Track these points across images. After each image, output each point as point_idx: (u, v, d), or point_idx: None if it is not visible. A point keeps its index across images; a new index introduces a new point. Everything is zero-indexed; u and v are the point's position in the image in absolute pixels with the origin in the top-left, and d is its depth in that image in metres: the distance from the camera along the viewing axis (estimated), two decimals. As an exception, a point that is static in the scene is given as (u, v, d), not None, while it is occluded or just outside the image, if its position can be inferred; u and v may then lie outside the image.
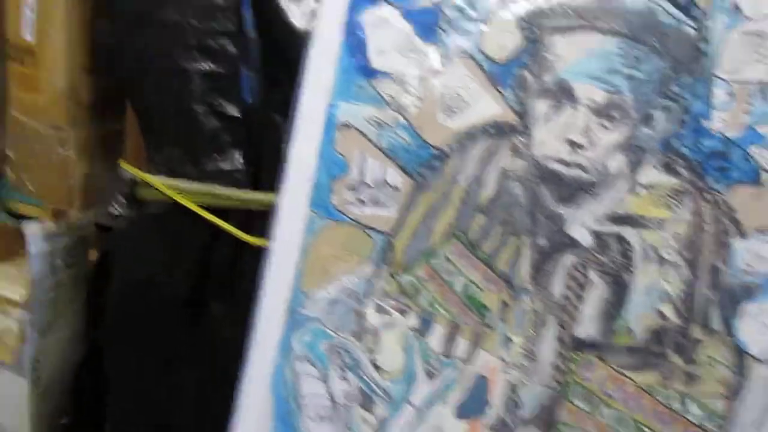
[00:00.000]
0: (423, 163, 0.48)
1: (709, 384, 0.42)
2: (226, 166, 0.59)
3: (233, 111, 0.57)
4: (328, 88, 0.50)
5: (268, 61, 0.55)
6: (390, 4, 0.49)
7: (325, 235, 0.50)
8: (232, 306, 0.57)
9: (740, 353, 0.42)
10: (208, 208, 0.57)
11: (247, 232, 0.55)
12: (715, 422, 0.42)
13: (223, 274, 0.58)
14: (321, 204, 0.50)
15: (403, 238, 0.48)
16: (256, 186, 0.56)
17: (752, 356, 0.41)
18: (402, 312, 0.48)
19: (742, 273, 0.42)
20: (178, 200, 0.58)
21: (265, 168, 0.55)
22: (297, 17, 0.53)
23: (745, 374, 0.41)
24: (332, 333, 0.50)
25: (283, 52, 0.53)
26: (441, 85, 0.47)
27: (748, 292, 0.41)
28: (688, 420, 0.42)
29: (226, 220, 0.56)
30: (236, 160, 0.58)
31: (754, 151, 0.41)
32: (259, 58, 0.55)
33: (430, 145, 0.48)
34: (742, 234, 0.42)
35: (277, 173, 0.52)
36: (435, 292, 0.48)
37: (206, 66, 0.58)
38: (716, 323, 0.42)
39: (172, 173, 0.60)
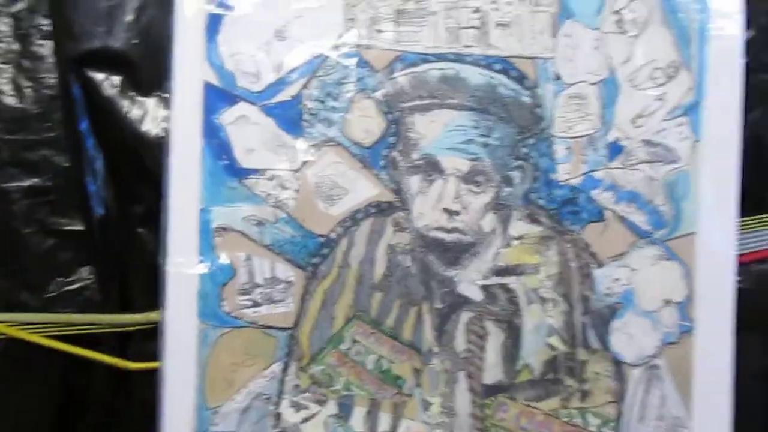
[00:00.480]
0: (311, 252, 0.48)
1: (599, 396, 0.49)
2: (72, 286, 0.53)
3: (75, 226, 0.52)
4: (197, 195, 0.48)
5: (122, 170, 0.51)
6: (247, 101, 0.48)
7: (222, 344, 0.48)
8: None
9: (617, 363, 0.49)
10: (65, 337, 0.51)
11: (125, 355, 0.51)
12: (610, 426, 0.49)
13: (100, 408, 0.52)
14: (211, 314, 0.48)
15: (306, 330, 0.49)
16: (125, 305, 0.51)
17: (626, 363, 0.49)
18: (319, 402, 0.48)
19: (605, 296, 0.49)
20: (22, 336, 0.51)
21: (135, 285, 0.51)
22: (147, 124, 0.49)
23: (625, 379, 0.49)
24: (250, 442, 0.48)
25: (138, 161, 0.49)
26: (315, 175, 0.48)
27: (612, 311, 0.49)
28: (590, 431, 0.49)
29: (95, 345, 0.51)
30: (84, 278, 0.53)
31: (594, 194, 0.49)
32: (107, 168, 0.51)
33: (316, 234, 0.48)
34: (599, 264, 0.49)
35: (150, 289, 0.49)
36: (349, 374, 0.48)
37: (28, 181, 0.52)
38: (595, 343, 0.49)
39: (2, 306, 0.52)
